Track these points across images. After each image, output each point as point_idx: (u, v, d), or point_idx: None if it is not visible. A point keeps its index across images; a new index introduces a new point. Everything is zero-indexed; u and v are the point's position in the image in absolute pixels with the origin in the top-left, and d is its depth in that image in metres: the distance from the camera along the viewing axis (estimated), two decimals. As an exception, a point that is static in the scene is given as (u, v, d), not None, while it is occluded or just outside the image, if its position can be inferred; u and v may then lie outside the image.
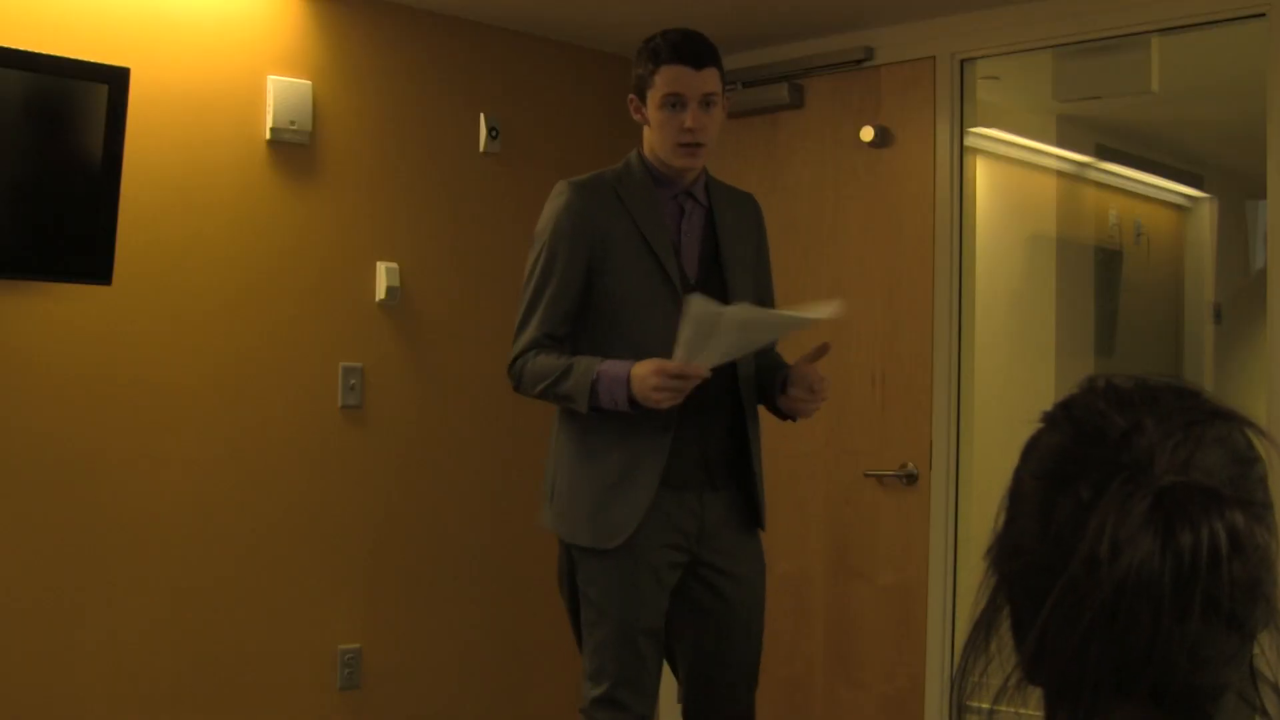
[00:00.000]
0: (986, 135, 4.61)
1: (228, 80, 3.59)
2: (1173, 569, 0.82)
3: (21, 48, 3.09)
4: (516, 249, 4.24)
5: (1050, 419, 0.98)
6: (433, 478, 4.02)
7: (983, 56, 4.04)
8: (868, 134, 4.07)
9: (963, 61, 4.04)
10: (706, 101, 2.74)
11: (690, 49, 2.75)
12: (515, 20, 4.16)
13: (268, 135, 3.66)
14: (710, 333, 2.54)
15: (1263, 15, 3.46)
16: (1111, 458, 0.89)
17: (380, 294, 3.88)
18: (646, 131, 2.79)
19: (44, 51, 3.12)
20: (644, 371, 2.57)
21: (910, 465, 4.00)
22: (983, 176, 4.48)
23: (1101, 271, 5.47)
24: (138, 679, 3.43)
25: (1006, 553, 0.95)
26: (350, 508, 3.84)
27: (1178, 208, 6.16)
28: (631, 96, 2.82)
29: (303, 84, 3.71)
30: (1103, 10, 3.73)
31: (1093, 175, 5.45)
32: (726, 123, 4.60)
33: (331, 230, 3.81)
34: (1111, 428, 0.91)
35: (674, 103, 2.72)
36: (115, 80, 3.19)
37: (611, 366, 2.62)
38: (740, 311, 2.60)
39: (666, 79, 2.72)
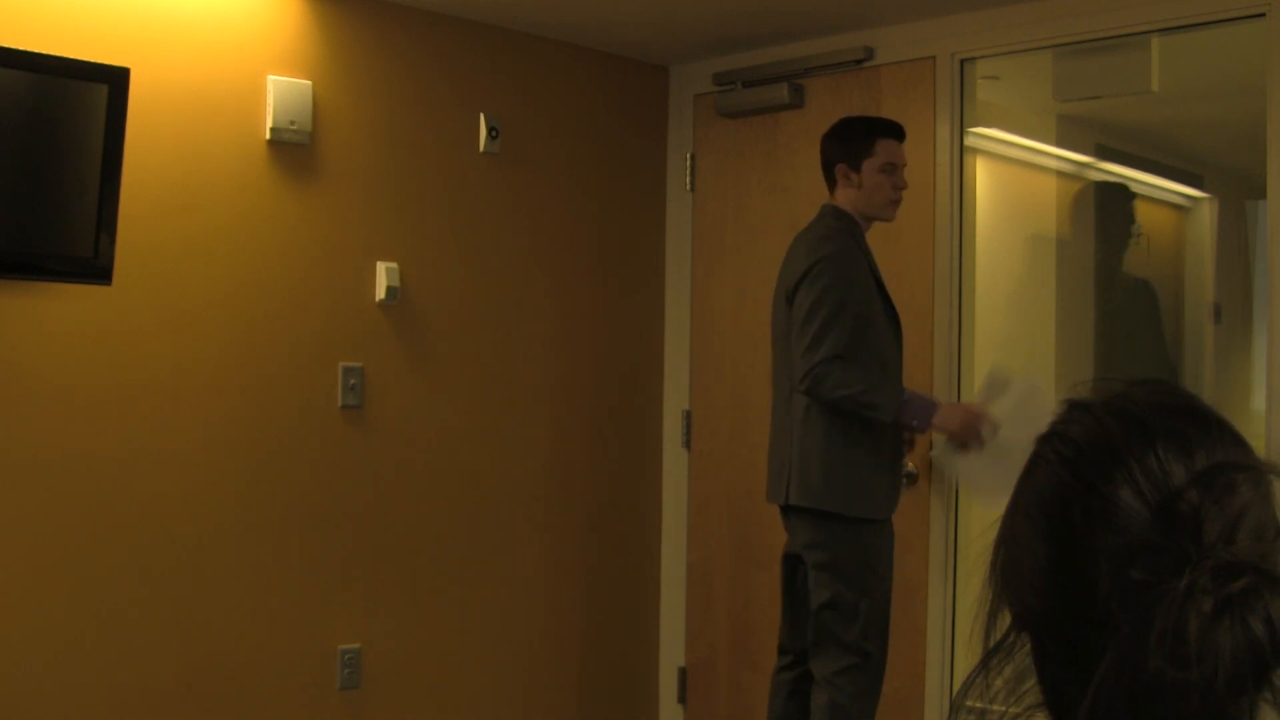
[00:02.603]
0: (986, 135, 4.61)
1: (228, 80, 3.59)
2: (1253, 660, 0.85)
3: (21, 48, 3.09)
4: (517, 249, 4.25)
5: (1045, 453, 0.99)
6: (433, 478, 4.02)
7: (983, 56, 4.04)
8: None
9: (963, 61, 4.03)
10: (903, 167, 3.54)
11: (898, 127, 3.55)
12: (515, 20, 4.15)
13: (268, 135, 3.66)
14: (1006, 393, 3.31)
15: (1263, 15, 3.46)
16: (1154, 526, 0.91)
17: (380, 294, 3.88)
18: (849, 191, 3.50)
19: (44, 51, 3.12)
20: (953, 412, 3.42)
21: (910, 465, 4.00)
22: (983, 176, 4.48)
23: (1101, 272, 5.47)
24: (137, 679, 3.43)
25: (1017, 587, 0.98)
26: (350, 508, 3.84)
27: (1178, 208, 6.15)
28: (841, 165, 3.50)
29: (303, 84, 3.71)
30: (1103, 10, 3.73)
31: (1093, 175, 5.44)
32: (727, 123, 4.63)
33: (331, 230, 3.81)
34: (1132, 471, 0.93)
35: (889, 169, 3.49)
36: (115, 80, 3.19)
37: (915, 395, 3.43)
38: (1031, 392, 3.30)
39: (884, 150, 3.49)
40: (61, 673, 3.31)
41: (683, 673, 4.61)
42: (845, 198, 3.53)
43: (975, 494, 3.45)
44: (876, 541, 3.46)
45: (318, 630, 3.78)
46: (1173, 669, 0.85)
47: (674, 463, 4.66)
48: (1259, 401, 3.83)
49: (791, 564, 3.62)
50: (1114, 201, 5.25)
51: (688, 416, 4.62)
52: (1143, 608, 0.88)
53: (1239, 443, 0.97)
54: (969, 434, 3.35)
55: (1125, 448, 0.94)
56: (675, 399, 4.67)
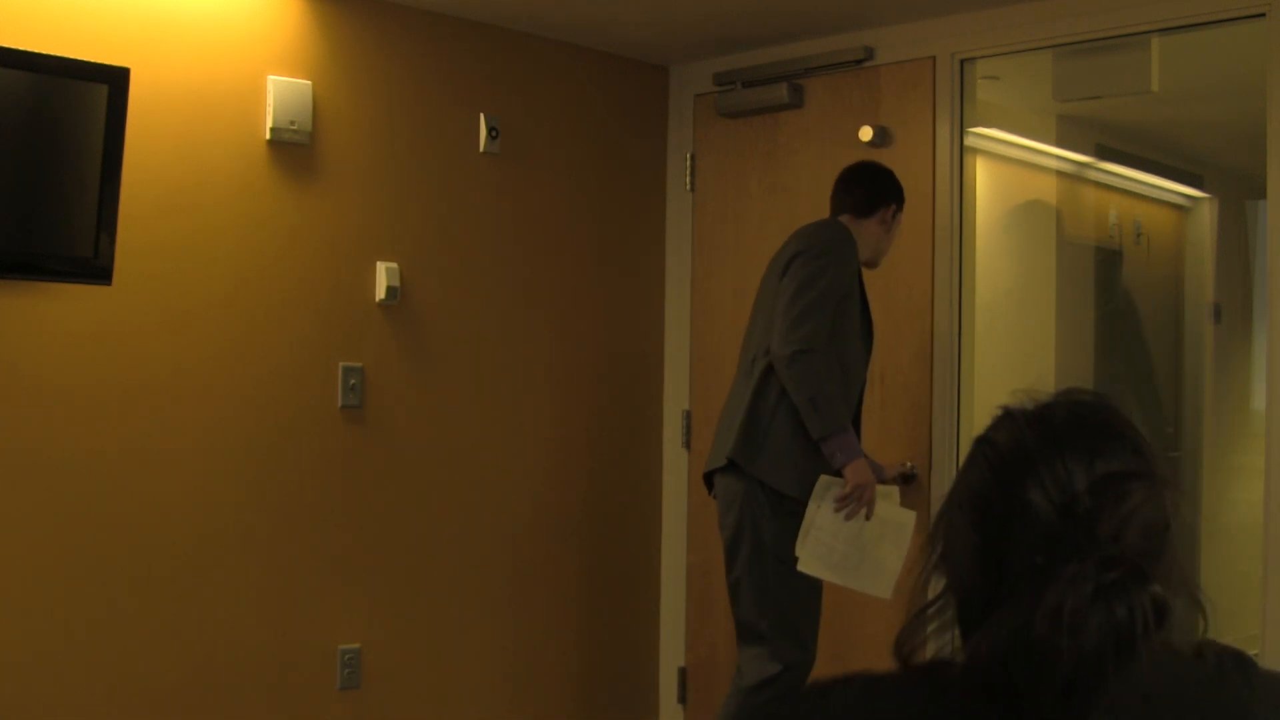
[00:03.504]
0: (986, 135, 4.61)
1: (228, 80, 3.59)
2: (1115, 638, 1.08)
3: (21, 48, 3.09)
4: (517, 249, 4.25)
5: (976, 455, 1.22)
6: (433, 478, 4.02)
7: (983, 56, 4.04)
8: (866, 134, 4.07)
9: (963, 61, 4.03)
10: None
11: None
12: (515, 20, 4.16)
13: (268, 135, 3.66)
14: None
15: (1263, 15, 3.46)
16: (1055, 521, 1.13)
17: (380, 294, 3.88)
18: (876, 229, 3.61)
19: (44, 51, 3.12)
20: (864, 471, 3.39)
21: (910, 465, 4.00)
22: (983, 176, 4.48)
23: (1101, 271, 5.48)
24: (137, 678, 3.43)
25: (951, 563, 1.21)
26: (350, 508, 3.85)
27: (1178, 208, 6.16)
28: (893, 205, 3.64)
29: (303, 84, 3.71)
30: (1103, 10, 3.73)
31: (1093, 175, 5.45)
32: (727, 123, 4.63)
33: (331, 230, 3.81)
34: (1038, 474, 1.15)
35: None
36: (115, 80, 3.19)
37: (852, 436, 3.41)
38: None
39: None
40: (61, 672, 3.31)
41: (683, 673, 4.61)
42: (868, 231, 3.60)
43: (809, 549, 3.38)
44: (788, 522, 3.41)
45: (318, 630, 3.78)
46: (1052, 636, 1.07)
47: (674, 463, 4.66)
48: (1259, 401, 3.83)
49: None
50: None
51: (688, 416, 4.63)
52: (1039, 586, 1.10)
53: (1139, 452, 1.17)
54: (862, 496, 3.37)
55: (1038, 455, 1.15)
56: (675, 399, 4.67)
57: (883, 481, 3.56)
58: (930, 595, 1.22)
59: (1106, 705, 1.09)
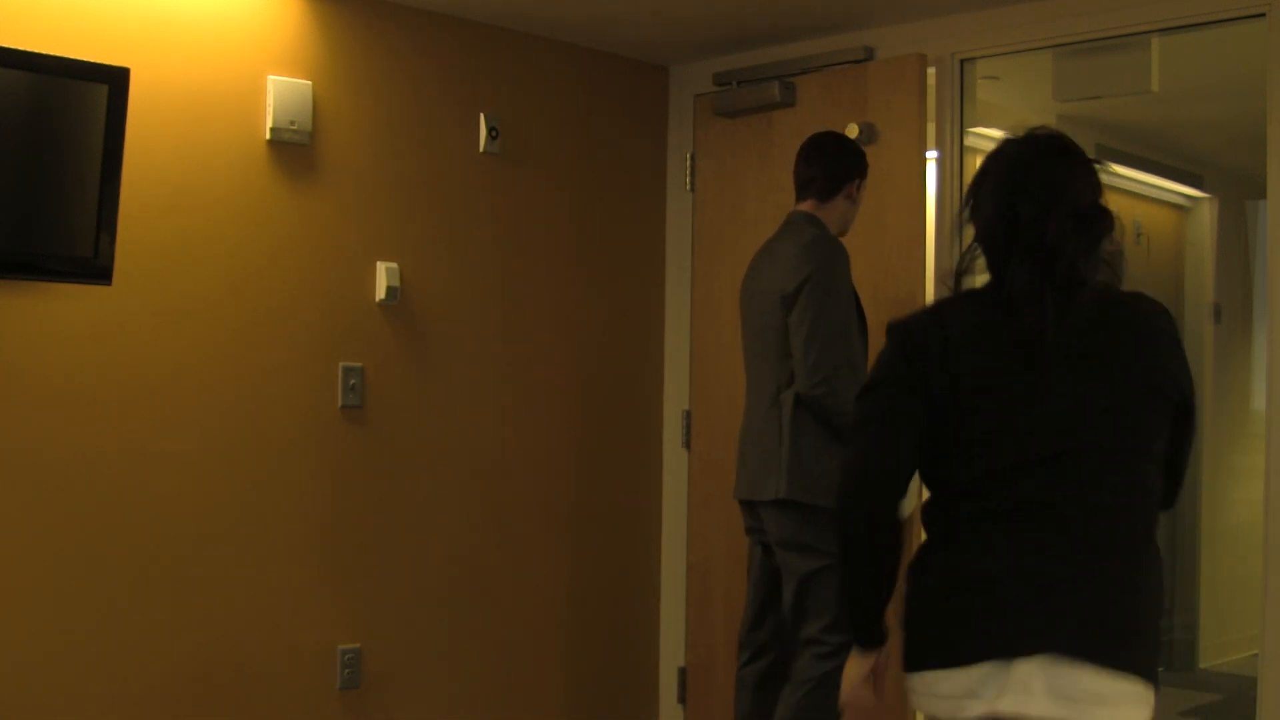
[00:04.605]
0: (986, 135, 4.61)
1: (228, 80, 3.59)
2: (1066, 281, 2.07)
3: (21, 48, 3.09)
4: (517, 249, 4.25)
5: (998, 154, 2.17)
6: (433, 478, 4.03)
7: (983, 56, 4.04)
8: (853, 131, 4.04)
9: (962, 61, 4.03)
10: None
11: None
12: (515, 20, 4.16)
13: (268, 135, 3.66)
14: None
15: (1263, 15, 3.46)
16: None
17: (380, 294, 3.88)
18: (843, 205, 3.62)
19: (44, 51, 3.12)
20: None
21: None
22: (983, 176, 4.47)
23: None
24: (137, 678, 3.43)
25: (979, 221, 2.12)
26: (350, 508, 3.85)
27: (1178, 208, 6.16)
28: (857, 179, 3.63)
29: (303, 84, 3.71)
30: (1103, 10, 3.73)
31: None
32: (726, 123, 4.62)
33: (331, 230, 3.81)
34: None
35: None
36: (115, 80, 3.19)
37: None
38: None
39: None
40: (61, 672, 3.31)
41: (683, 673, 4.62)
42: (835, 211, 3.61)
43: None
44: None
45: (318, 630, 3.78)
46: (1042, 279, 2.04)
47: (674, 463, 4.66)
48: (1259, 401, 3.84)
49: (765, 559, 3.66)
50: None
51: (688, 416, 4.63)
52: (1035, 243, 2.04)
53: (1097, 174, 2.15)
54: None
55: (1036, 160, 2.11)
56: (675, 399, 4.67)
57: None
58: (965, 244, 2.15)
59: (1080, 299, 2.05)
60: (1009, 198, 2.06)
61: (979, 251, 2.11)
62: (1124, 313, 2.10)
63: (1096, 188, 2.10)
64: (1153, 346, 2.09)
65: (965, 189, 2.18)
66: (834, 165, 3.61)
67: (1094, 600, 1.97)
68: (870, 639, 2.17)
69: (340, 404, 3.81)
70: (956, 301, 2.13)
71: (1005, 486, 2.03)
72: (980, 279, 2.13)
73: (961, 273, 2.13)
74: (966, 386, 2.05)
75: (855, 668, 2.19)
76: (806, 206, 3.62)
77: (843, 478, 2.15)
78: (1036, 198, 2.04)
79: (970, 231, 2.12)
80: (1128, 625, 1.98)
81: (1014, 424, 2.03)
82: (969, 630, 2.00)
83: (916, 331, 2.10)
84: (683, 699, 4.61)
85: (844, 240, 3.61)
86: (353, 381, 3.84)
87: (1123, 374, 2.05)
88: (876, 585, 2.13)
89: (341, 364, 3.82)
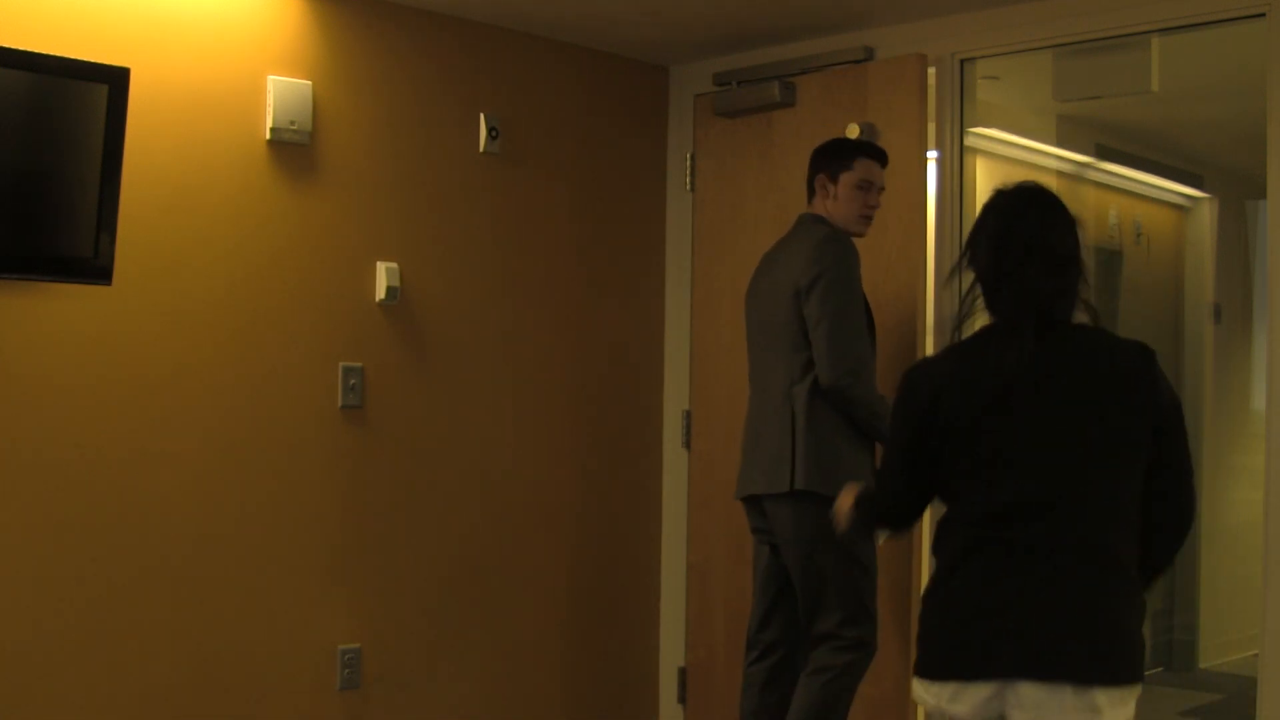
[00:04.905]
0: (986, 135, 4.61)
1: (228, 80, 3.59)
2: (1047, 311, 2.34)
3: (21, 48, 3.09)
4: (516, 249, 4.25)
5: (988, 210, 2.46)
6: (433, 478, 4.03)
7: (983, 56, 4.04)
8: (854, 131, 4.05)
9: (962, 61, 4.03)
10: (880, 189, 3.68)
11: (881, 152, 3.69)
12: (515, 20, 4.16)
13: (268, 135, 3.66)
14: None
15: (1263, 15, 3.46)
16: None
17: (380, 294, 3.89)
18: (825, 203, 3.65)
19: (44, 51, 3.12)
20: None
21: None
22: (983, 176, 4.48)
23: (1101, 271, 5.47)
24: (137, 679, 3.43)
25: (978, 265, 2.39)
26: (350, 508, 3.85)
27: (1178, 208, 6.16)
28: (821, 175, 3.65)
29: (303, 84, 3.71)
30: (1103, 10, 3.73)
31: (1093, 175, 5.45)
32: (725, 123, 4.62)
33: (331, 230, 3.82)
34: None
35: (864, 185, 3.63)
36: (115, 80, 3.19)
37: None
38: None
39: (863, 168, 3.63)
40: (61, 672, 3.31)
41: (683, 673, 4.61)
42: (821, 209, 3.67)
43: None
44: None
45: (318, 630, 3.78)
46: (1027, 309, 2.33)
47: (674, 463, 4.66)
48: (1259, 401, 3.83)
49: (773, 558, 3.67)
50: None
51: (688, 416, 4.63)
52: (1021, 280, 2.33)
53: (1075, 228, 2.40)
54: None
55: (1023, 214, 2.38)
56: (675, 399, 4.67)
57: None
58: (964, 288, 2.42)
59: (1057, 334, 2.32)
60: (997, 244, 2.35)
61: (979, 293, 2.39)
62: (1101, 352, 2.33)
63: (1074, 239, 2.36)
64: (1128, 382, 2.30)
65: (965, 236, 2.48)
66: (810, 171, 3.71)
67: (1078, 629, 2.23)
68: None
69: (340, 404, 3.81)
70: (951, 349, 2.43)
71: (1002, 521, 2.29)
72: (980, 321, 2.43)
73: (962, 317, 2.42)
74: (956, 429, 2.32)
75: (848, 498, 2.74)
76: (808, 208, 3.69)
77: (867, 507, 2.66)
78: (1019, 245, 2.33)
79: (970, 276, 2.41)
80: (1114, 645, 2.24)
81: (1001, 461, 2.30)
82: (979, 651, 2.28)
83: (915, 381, 2.43)
84: (683, 699, 4.61)
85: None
86: (353, 381, 3.84)
87: (1098, 410, 2.28)
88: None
89: (341, 364, 3.82)
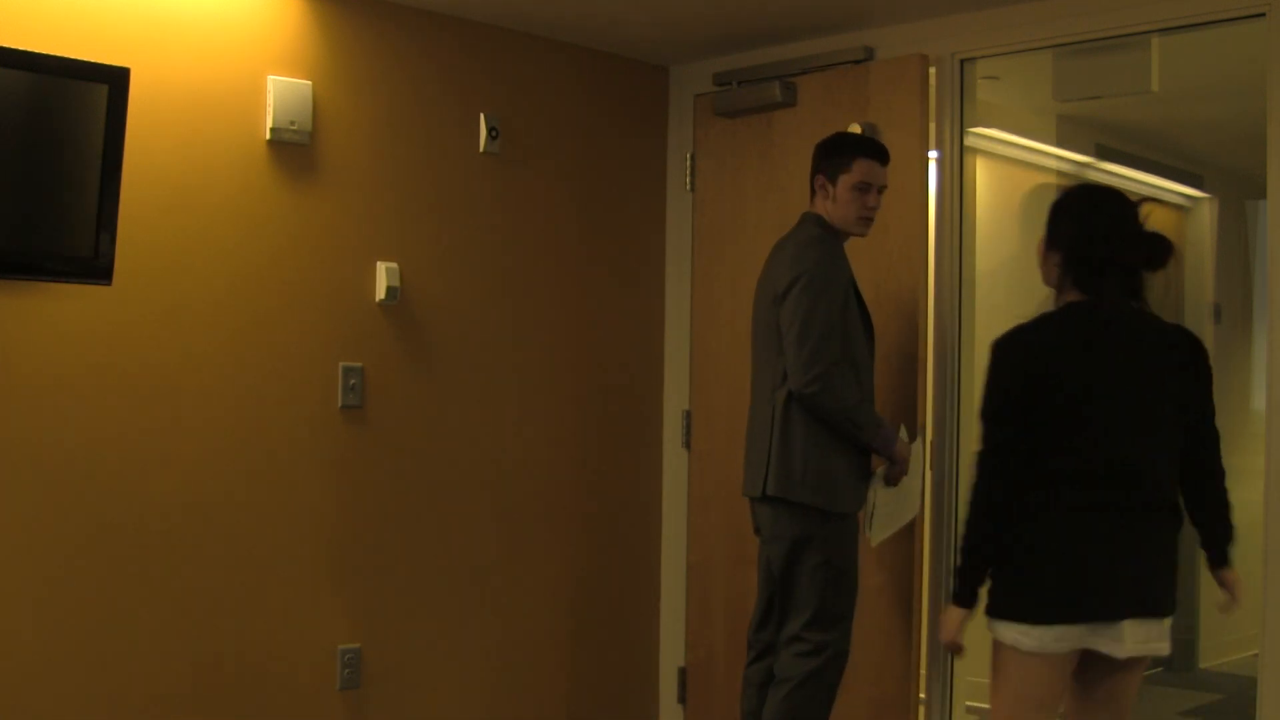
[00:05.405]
0: (986, 135, 4.61)
1: (228, 80, 3.59)
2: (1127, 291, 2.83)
3: (21, 48, 3.09)
4: (517, 248, 4.26)
5: (1069, 197, 2.94)
6: (433, 478, 4.03)
7: (983, 56, 4.04)
8: (855, 130, 4.04)
9: (962, 61, 4.03)
10: (881, 189, 3.62)
11: (882, 150, 3.64)
12: (515, 20, 4.16)
13: (268, 135, 3.66)
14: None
15: (1263, 15, 3.46)
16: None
17: (380, 294, 3.89)
18: (825, 204, 3.61)
19: (44, 51, 3.12)
20: (902, 447, 3.63)
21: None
22: (983, 176, 4.48)
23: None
24: (137, 678, 3.43)
25: (1062, 242, 2.83)
26: (350, 508, 3.85)
27: (1178, 208, 6.15)
28: (819, 176, 3.62)
29: (303, 84, 3.71)
30: (1103, 10, 3.73)
31: (1093, 175, 5.45)
32: (726, 123, 4.62)
33: (331, 230, 3.82)
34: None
35: (863, 187, 3.57)
36: (115, 80, 3.19)
37: (884, 420, 3.59)
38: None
39: (861, 169, 3.58)
40: (61, 672, 3.31)
41: (683, 673, 4.62)
42: (822, 209, 3.65)
43: (878, 526, 3.68)
44: (844, 535, 3.57)
45: (318, 630, 3.78)
46: (1109, 293, 2.79)
47: (674, 463, 4.66)
48: (1259, 401, 3.83)
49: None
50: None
51: (688, 416, 4.63)
52: (1104, 263, 2.79)
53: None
54: (905, 465, 3.64)
55: (1106, 208, 2.84)
56: (675, 399, 4.67)
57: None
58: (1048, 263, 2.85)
59: (1137, 314, 2.77)
60: (1106, 231, 2.76)
61: (1065, 269, 2.79)
62: (1169, 331, 2.78)
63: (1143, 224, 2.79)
64: (1186, 360, 2.79)
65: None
66: (812, 170, 3.69)
67: (1158, 573, 2.76)
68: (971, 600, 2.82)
69: (340, 404, 3.82)
70: (1046, 320, 2.78)
71: (1105, 482, 2.69)
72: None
73: (1059, 288, 2.84)
74: (1061, 394, 2.67)
75: (954, 618, 2.83)
76: (810, 207, 3.70)
77: (972, 501, 2.79)
78: (1123, 232, 2.76)
79: (1055, 256, 2.82)
80: (1175, 584, 2.81)
81: (1100, 428, 2.67)
82: (1099, 600, 2.69)
83: (1024, 342, 2.75)
84: (683, 699, 4.61)
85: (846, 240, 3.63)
86: (353, 381, 3.84)
87: (1170, 383, 2.74)
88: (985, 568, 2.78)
89: (341, 364, 3.82)
